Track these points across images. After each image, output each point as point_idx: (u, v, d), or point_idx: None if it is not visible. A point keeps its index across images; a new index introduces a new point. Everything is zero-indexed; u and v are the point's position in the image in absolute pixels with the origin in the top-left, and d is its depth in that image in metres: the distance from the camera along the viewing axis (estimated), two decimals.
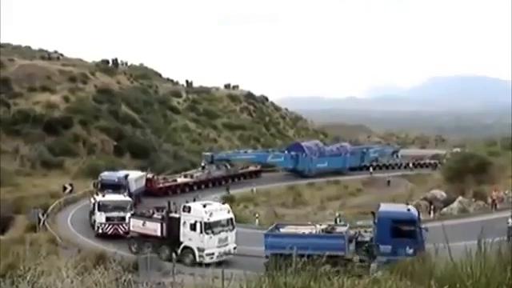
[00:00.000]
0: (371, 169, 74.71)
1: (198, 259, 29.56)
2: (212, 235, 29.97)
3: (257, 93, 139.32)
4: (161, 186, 55.76)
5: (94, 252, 27.78)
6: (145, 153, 78.20)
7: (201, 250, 29.79)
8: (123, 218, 37.19)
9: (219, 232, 30.35)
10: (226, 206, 33.22)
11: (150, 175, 56.22)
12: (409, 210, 27.38)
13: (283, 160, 71.63)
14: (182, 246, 30.60)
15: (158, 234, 32.15)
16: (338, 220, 43.18)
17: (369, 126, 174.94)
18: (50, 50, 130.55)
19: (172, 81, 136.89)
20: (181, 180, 59.45)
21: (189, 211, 31.00)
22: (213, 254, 29.66)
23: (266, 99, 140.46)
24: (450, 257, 5.74)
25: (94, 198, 41.18)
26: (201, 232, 29.91)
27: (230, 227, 31.16)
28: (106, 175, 48.30)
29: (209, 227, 30.00)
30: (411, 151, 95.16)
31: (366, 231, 28.61)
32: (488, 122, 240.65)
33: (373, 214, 28.27)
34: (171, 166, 72.83)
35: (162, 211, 33.95)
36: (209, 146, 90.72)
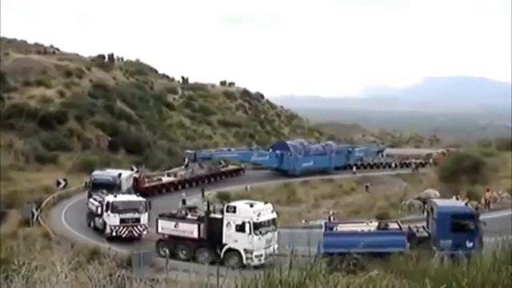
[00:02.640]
0: (354, 168, 73.46)
1: (245, 261, 27.83)
2: (260, 236, 28.53)
3: (252, 90, 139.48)
4: (147, 185, 53.42)
5: (87, 247, 27.76)
6: (139, 149, 78.04)
7: (249, 251, 28.12)
8: (138, 220, 35.46)
9: (266, 232, 28.94)
10: (269, 205, 31.34)
11: (136, 174, 54.00)
12: (466, 204, 27.84)
13: (268, 159, 69.88)
14: (225, 248, 28.88)
15: (195, 235, 30.31)
16: (331, 218, 43.34)
17: (364, 125, 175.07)
18: (46, 44, 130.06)
19: (168, 77, 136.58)
20: (165, 179, 57.50)
21: (234, 211, 29.31)
22: (261, 255, 28.13)
23: (262, 97, 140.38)
24: (446, 256, 5.76)
25: (97, 199, 39.14)
26: (250, 233, 28.38)
27: (274, 227, 29.81)
28: (98, 174, 46.15)
29: (257, 228, 28.63)
30: (399, 151, 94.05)
31: (417, 227, 28.86)
32: (483, 123, 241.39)
33: (431, 209, 28.51)
34: (166, 162, 72.68)
35: (195, 211, 32.64)
36: (204, 143, 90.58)
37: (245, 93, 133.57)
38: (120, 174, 46.57)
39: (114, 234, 34.91)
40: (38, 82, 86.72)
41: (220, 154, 67.28)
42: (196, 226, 30.57)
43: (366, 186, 63.10)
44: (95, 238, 34.48)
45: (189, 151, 65.24)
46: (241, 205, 30.14)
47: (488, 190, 42.64)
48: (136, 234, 35.23)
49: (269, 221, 29.62)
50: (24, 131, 70.31)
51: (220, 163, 67.05)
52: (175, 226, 31.15)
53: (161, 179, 56.84)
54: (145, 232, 35.46)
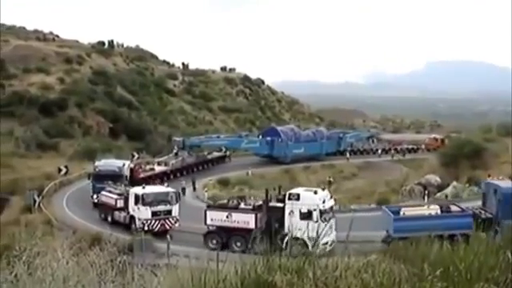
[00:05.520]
0: (348, 154, 72.52)
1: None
2: (326, 223, 27.35)
3: (253, 76, 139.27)
4: (142, 175, 50.24)
5: (89, 233, 27.87)
6: (140, 135, 78.13)
7: (315, 239, 26.79)
8: (169, 212, 33.83)
9: (329, 219, 28.08)
10: (327, 191, 30.65)
11: (132, 165, 51.00)
12: None
13: (258, 145, 67.68)
14: (287, 238, 26.83)
15: (252, 226, 28.98)
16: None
17: (365, 110, 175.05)
18: (46, 30, 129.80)
19: (168, 63, 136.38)
20: (158, 168, 55.14)
21: (297, 199, 28.48)
22: (327, 243, 26.39)
23: (263, 82, 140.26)
24: (444, 241, 5.82)
25: (115, 191, 37.51)
26: (317, 220, 27.27)
27: (332, 214, 29.21)
28: (102, 165, 44.18)
29: (322, 215, 28.03)
30: (393, 136, 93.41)
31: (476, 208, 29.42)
32: (483, 108, 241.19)
33: (495, 191, 28.94)
34: (166, 148, 72.63)
35: (244, 201, 31.47)
36: (204, 129, 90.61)
37: (245, 78, 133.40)
38: (124, 164, 45.25)
39: (145, 228, 32.61)
40: (38, 69, 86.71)
41: (209, 142, 65.33)
42: (253, 215, 29.37)
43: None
44: (96, 224, 34.51)
45: (177, 139, 63.28)
46: (304, 192, 29.27)
47: (489, 176, 42.64)
48: (168, 227, 33.52)
49: (331, 207, 29.36)
50: (25, 118, 70.42)
51: (220, 150, 66.88)
52: (227, 217, 29.85)
53: (153, 169, 54.64)
54: (176, 224, 34.04)
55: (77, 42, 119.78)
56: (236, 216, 29.70)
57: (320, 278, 4.89)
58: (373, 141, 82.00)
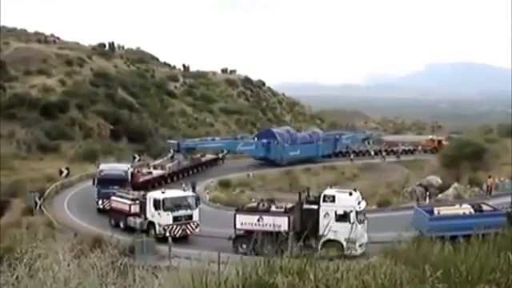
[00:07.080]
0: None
1: (347, 252, 24.60)
2: (362, 225, 27.59)
3: (254, 77, 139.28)
4: (141, 180, 48.44)
5: (90, 235, 27.85)
6: (141, 137, 78.13)
7: (351, 241, 25.93)
8: (190, 217, 32.75)
9: (364, 220, 28.04)
10: (358, 193, 29.76)
11: (131, 169, 48.25)
12: None
13: (254, 148, 66.90)
14: (323, 240, 25.61)
15: (285, 229, 27.70)
16: None
17: (366, 112, 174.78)
18: (47, 33, 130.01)
19: (169, 65, 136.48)
20: (156, 173, 53.71)
21: (333, 201, 27.98)
22: (362, 244, 26.88)
23: (263, 84, 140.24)
24: (445, 242, 5.83)
25: (127, 196, 36.22)
26: (353, 222, 26.89)
27: (365, 215, 28.86)
28: (107, 169, 42.90)
29: (358, 216, 27.65)
30: (394, 138, 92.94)
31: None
32: (484, 109, 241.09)
33: None
34: (167, 150, 72.53)
35: (274, 203, 30.78)
36: (205, 131, 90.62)
37: (246, 80, 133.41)
38: (128, 168, 44.50)
39: (167, 234, 31.32)
40: (38, 71, 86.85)
41: (204, 144, 64.61)
42: (286, 218, 28.61)
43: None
44: (97, 226, 34.40)
45: (172, 141, 62.68)
46: (339, 194, 28.72)
47: (490, 177, 42.67)
48: (189, 232, 32.70)
49: (364, 208, 29.18)
50: (26, 120, 70.46)
51: (222, 151, 66.77)
52: (259, 220, 29.02)
53: (151, 172, 53.43)
54: (197, 229, 33.01)
55: (77, 44, 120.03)
56: (268, 219, 28.54)
57: (321, 280, 4.89)
58: (368, 142, 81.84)
